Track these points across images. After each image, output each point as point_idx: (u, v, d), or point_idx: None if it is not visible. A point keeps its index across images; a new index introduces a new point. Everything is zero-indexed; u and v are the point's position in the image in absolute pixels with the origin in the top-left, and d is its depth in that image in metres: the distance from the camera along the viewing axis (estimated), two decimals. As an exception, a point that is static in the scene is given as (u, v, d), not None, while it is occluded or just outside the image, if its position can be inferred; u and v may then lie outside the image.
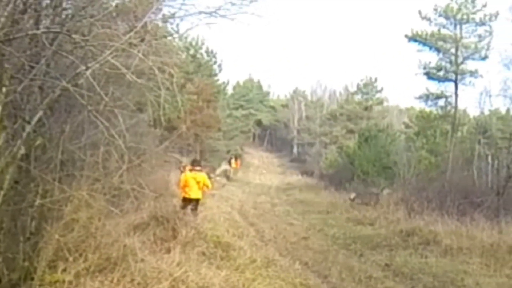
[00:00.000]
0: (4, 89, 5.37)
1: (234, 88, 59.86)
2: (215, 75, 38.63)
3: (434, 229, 12.84)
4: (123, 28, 6.68)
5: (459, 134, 27.16)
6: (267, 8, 7.00)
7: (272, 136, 67.73)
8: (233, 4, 6.62)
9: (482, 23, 25.83)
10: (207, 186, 12.66)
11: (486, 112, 25.39)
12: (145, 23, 6.17)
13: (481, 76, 26.02)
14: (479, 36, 26.03)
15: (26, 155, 5.69)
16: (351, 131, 44.24)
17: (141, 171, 9.70)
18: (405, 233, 13.30)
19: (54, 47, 5.71)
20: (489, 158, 19.61)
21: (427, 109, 29.24)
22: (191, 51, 34.64)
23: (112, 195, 7.53)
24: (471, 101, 71.33)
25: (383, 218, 16.23)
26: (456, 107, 26.63)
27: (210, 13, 6.57)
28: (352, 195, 21.96)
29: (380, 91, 47.45)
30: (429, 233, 12.70)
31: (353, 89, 49.66)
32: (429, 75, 27.16)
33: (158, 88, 5.98)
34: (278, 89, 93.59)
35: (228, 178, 31.04)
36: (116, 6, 6.98)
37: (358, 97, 48.14)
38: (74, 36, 5.68)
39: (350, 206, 19.96)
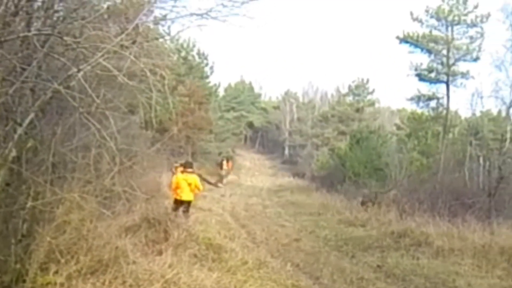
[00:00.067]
0: (-5, 92, 5.36)
1: (225, 90, 59.68)
2: (207, 77, 38.67)
3: (426, 231, 12.85)
4: (114, 30, 6.70)
5: (450, 135, 27.12)
6: (259, 10, 7.04)
7: (264, 138, 67.64)
8: (224, 6, 6.67)
9: (473, 25, 25.88)
10: (198, 188, 12.73)
11: (478, 114, 25.31)
12: (137, 25, 6.18)
13: (473, 77, 26.11)
14: (471, 37, 26.09)
15: (17, 157, 5.69)
16: (342, 133, 44.22)
17: (132, 173, 9.69)
18: (396, 235, 13.30)
19: (46, 49, 5.71)
20: (481, 159, 19.57)
21: (419, 111, 29.20)
22: (183, 53, 34.59)
23: (103, 197, 7.51)
24: (463, 102, 71.20)
25: (374, 220, 16.22)
26: (447, 108, 26.59)
27: (201, 15, 6.61)
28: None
29: (372, 92, 47.44)
30: (420, 235, 12.72)
31: (344, 90, 49.58)
32: (421, 77, 27.16)
33: (149, 90, 6.00)
34: (269, 91, 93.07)
35: (221, 181, 31.00)
36: (108, 8, 6.99)
37: (349, 99, 48.01)
38: (65, 38, 5.69)
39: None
